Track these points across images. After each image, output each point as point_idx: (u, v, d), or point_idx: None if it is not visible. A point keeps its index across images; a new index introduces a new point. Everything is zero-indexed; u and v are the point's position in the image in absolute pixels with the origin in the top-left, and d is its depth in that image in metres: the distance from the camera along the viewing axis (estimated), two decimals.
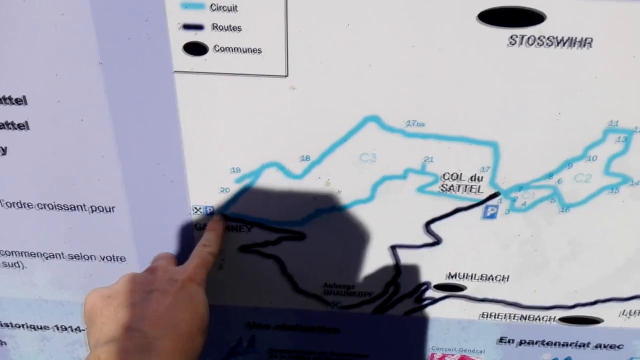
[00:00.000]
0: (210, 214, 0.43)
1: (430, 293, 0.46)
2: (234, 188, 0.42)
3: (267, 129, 0.39)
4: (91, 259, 0.46)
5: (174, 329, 0.33)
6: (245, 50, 0.36)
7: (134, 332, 0.32)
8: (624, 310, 0.46)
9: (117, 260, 0.46)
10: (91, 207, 0.43)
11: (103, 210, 0.43)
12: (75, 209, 0.43)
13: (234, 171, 0.41)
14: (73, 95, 0.38)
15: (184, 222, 0.44)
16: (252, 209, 0.43)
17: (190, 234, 0.44)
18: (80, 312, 0.37)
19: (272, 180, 0.41)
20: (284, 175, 0.41)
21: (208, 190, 0.42)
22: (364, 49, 0.35)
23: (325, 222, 0.43)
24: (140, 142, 0.40)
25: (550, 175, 0.40)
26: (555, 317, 0.47)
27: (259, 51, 0.36)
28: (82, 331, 0.51)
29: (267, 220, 0.43)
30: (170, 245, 0.45)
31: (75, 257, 0.46)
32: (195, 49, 0.36)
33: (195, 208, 0.43)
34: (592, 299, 0.46)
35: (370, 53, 0.36)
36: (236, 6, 0.35)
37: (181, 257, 0.44)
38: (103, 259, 0.46)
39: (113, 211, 0.43)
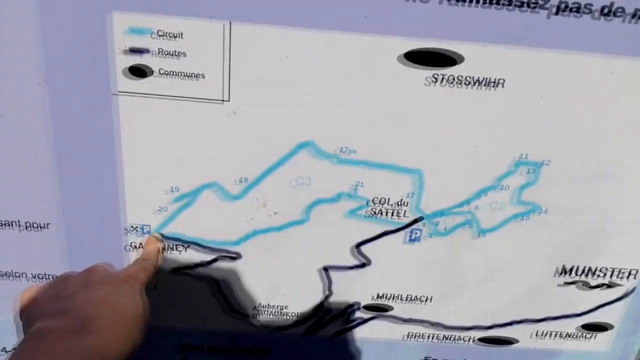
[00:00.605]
0: (147, 233, 0.44)
1: (360, 314, 0.49)
2: (172, 208, 0.43)
3: (207, 151, 0.41)
4: (21, 277, 0.45)
5: (115, 311, 0.32)
6: (189, 75, 0.38)
7: (74, 312, 0.31)
8: (537, 332, 0.51)
9: (49, 278, 0.45)
10: (25, 223, 0.43)
11: (37, 227, 0.43)
12: (8, 226, 0.43)
13: (172, 191, 0.42)
14: (16, 111, 0.39)
15: (119, 241, 0.44)
16: (188, 228, 0.44)
17: (125, 253, 0.44)
18: (14, 310, 0.36)
19: (209, 201, 0.42)
20: (221, 196, 0.42)
21: (145, 209, 0.43)
22: (300, 79, 0.38)
23: (260, 242, 0.44)
24: (79, 160, 0.41)
25: (467, 202, 0.43)
26: (474, 337, 0.50)
27: (202, 76, 0.38)
28: (9, 352, 0.49)
29: (204, 240, 0.44)
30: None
31: (5, 274, 0.45)
32: (139, 71, 0.38)
33: (132, 227, 0.43)
34: (507, 320, 0.50)
35: (307, 84, 0.38)
36: (182, 33, 0.37)
37: None
38: (34, 277, 0.45)
39: (48, 228, 0.43)
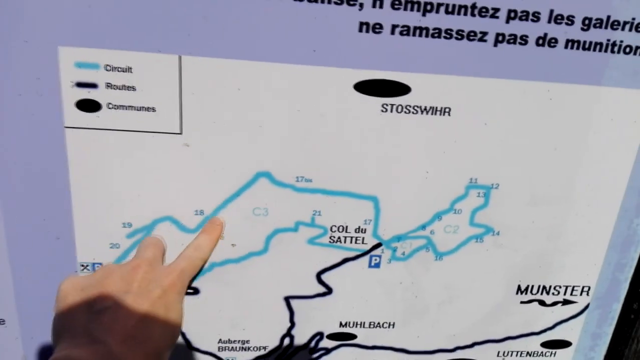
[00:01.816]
0: None
1: (324, 343, 0.48)
2: (125, 244, 0.42)
3: (161, 184, 0.40)
4: None
5: (141, 347, 0.32)
6: (139, 109, 0.38)
7: (100, 345, 0.30)
8: (499, 352, 0.51)
9: None
10: None
11: None
12: None
13: (125, 226, 0.41)
14: None
15: None
16: None
17: None
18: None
19: (165, 235, 0.42)
20: (177, 230, 0.42)
21: (97, 246, 0.41)
22: (254, 111, 0.39)
23: (219, 275, 0.44)
24: (26, 197, 0.39)
25: (423, 227, 0.44)
26: None
27: (153, 110, 0.38)
28: None
29: None
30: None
31: None
32: (88, 106, 0.37)
33: (83, 265, 0.42)
34: (470, 342, 0.50)
35: (260, 115, 0.39)
36: (131, 67, 0.36)
37: None
38: None
39: None
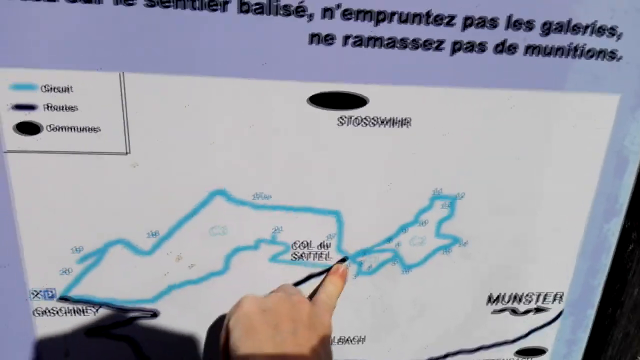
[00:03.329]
0: (52, 298, 0.40)
1: None
2: (77, 268, 0.40)
3: (110, 206, 0.38)
4: None
5: None
6: (82, 129, 0.36)
7: None
8: None
9: None
10: None
11: None
12: None
13: (75, 251, 0.39)
14: None
15: (22, 309, 0.41)
16: (98, 289, 0.41)
17: (29, 321, 0.41)
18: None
19: (118, 258, 0.40)
20: (131, 252, 0.40)
21: (48, 272, 0.40)
22: (204, 128, 0.37)
23: (178, 297, 0.42)
24: None
25: (389, 240, 0.43)
26: None
27: (97, 130, 0.36)
28: None
29: (115, 300, 0.41)
30: (6, 334, 0.41)
31: None
32: (28, 128, 0.35)
33: (34, 292, 0.40)
34: (442, 353, 0.49)
35: (211, 132, 0.37)
36: (71, 87, 0.35)
37: (21, 348, 0.41)
38: None
39: None
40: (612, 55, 0.38)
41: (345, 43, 0.36)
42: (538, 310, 0.48)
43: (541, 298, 0.48)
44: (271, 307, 0.36)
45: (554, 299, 0.48)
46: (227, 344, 0.36)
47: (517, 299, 0.47)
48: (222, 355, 0.37)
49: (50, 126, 0.35)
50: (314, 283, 0.44)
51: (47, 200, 0.38)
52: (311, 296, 0.43)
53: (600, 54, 0.38)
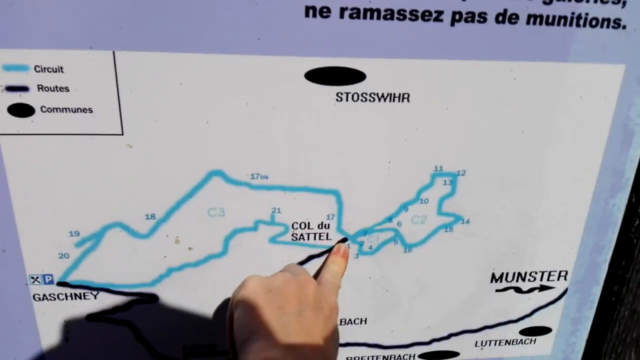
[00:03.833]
0: (50, 283, 0.40)
1: None
2: (75, 253, 0.39)
3: (106, 189, 0.38)
4: None
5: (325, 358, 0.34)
6: (75, 110, 0.35)
7: (293, 352, 0.32)
8: (477, 342, 0.50)
9: None
10: None
11: None
12: None
13: (72, 235, 0.39)
14: None
15: (21, 294, 0.40)
16: (96, 273, 0.40)
17: (29, 306, 0.41)
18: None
19: (116, 242, 0.39)
20: (129, 236, 0.39)
21: (45, 257, 0.39)
22: (199, 106, 0.36)
23: (178, 280, 0.42)
24: None
25: (390, 219, 0.42)
26: (415, 354, 0.49)
27: (90, 110, 0.35)
28: None
29: (114, 284, 0.41)
30: (7, 319, 0.41)
31: None
32: (21, 110, 0.35)
33: (33, 277, 0.40)
34: (445, 333, 0.48)
35: (207, 110, 0.36)
36: (62, 67, 0.34)
37: (22, 333, 0.40)
38: None
39: None
40: (617, 24, 0.37)
41: (342, 16, 0.35)
42: (542, 288, 0.48)
43: (545, 276, 0.47)
44: (276, 287, 0.36)
45: (559, 277, 0.47)
46: (232, 325, 0.35)
47: (521, 277, 0.46)
48: (227, 335, 0.36)
49: (43, 108, 0.35)
50: (314, 264, 0.43)
51: (42, 183, 0.37)
52: (314, 278, 0.42)
53: (604, 22, 0.37)
